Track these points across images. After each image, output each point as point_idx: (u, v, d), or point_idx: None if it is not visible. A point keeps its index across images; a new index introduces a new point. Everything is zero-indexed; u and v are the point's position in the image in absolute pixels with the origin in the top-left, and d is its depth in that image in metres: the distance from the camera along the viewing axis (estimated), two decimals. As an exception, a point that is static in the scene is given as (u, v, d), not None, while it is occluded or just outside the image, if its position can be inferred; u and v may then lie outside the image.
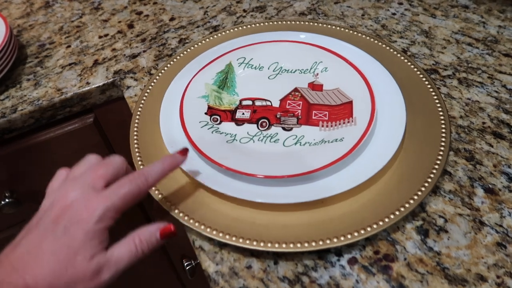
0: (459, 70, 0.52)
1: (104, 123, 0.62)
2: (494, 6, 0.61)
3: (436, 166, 0.41)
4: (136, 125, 0.48)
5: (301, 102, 0.48)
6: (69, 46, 0.62)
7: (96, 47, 0.62)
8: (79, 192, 0.33)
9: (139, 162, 0.44)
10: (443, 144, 0.42)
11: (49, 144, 0.60)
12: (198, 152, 0.42)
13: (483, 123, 0.46)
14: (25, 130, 0.56)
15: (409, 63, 0.52)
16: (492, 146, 0.44)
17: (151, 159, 0.45)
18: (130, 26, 0.65)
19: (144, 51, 0.60)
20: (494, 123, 0.46)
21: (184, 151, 0.39)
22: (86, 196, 0.32)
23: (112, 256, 0.32)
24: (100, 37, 0.64)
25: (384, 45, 0.55)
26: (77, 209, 0.32)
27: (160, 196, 0.41)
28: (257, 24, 0.60)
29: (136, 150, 0.45)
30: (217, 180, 0.41)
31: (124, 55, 0.60)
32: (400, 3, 0.64)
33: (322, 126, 0.45)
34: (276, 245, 0.37)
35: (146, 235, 0.34)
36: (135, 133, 0.47)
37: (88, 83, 0.56)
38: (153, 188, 0.42)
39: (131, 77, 0.56)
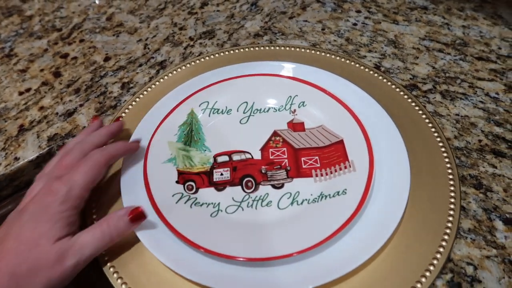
0: (438, 82, 0.49)
1: (44, 197, 0.51)
2: (452, 4, 0.59)
3: (452, 206, 0.36)
4: (93, 210, 0.39)
5: (285, 149, 0.42)
6: (-18, 111, 0.50)
7: (18, 108, 0.50)
8: (42, 184, 0.34)
9: (108, 264, 0.35)
10: (451, 176, 0.38)
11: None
12: (181, 239, 0.34)
13: (480, 141, 0.43)
14: None
15: (388, 83, 0.47)
16: (496, 167, 0.41)
17: (120, 253, 0.36)
18: (57, 74, 0.54)
19: (81, 105, 0.50)
20: (490, 139, 0.43)
21: (138, 142, 0.41)
22: (48, 184, 0.33)
23: (76, 242, 0.31)
24: (20, 93, 0.52)
25: (356, 64, 0.50)
26: (41, 197, 0.32)
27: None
28: (211, 56, 0.52)
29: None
30: (194, 264, 0.34)
31: (57, 113, 0.49)
32: (358, 11, 0.59)
33: (317, 175, 0.39)
34: None
35: (114, 219, 0.33)
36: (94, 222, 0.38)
37: (16, 159, 0.45)
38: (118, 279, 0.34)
39: (72, 142, 0.46)
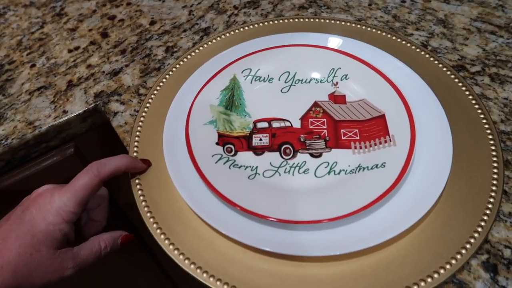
0: (488, 64, 0.47)
1: (88, 152, 0.53)
2: (509, -14, 0.56)
3: (494, 188, 0.36)
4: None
5: (325, 120, 0.42)
6: (33, 65, 0.53)
7: (67, 64, 0.52)
8: (49, 186, 0.35)
9: (148, 214, 0.37)
10: (495, 159, 0.38)
11: (23, 184, 0.51)
12: (219, 196, 0.35)
13: (528, 126, 0.41)
14: (-6, 174, 0.47)
15: (435, 61, 0.46)
16: (543, 154, 0.39)
17: (162, 209, 0.37)
18: (104, 34, 0.56)
19: (126, 66, 0.51)
20: (539, 125, 0.41)
21: (147, 162, 0.40)
22: (53, 189, 0.34)
23: (77, 256, 0.34)
24: (70, 51, 0.54)
25: (402, 41, 0.49)
26: (43, 200, 0.33)
27: (166, 240, 0.35)
28: (255, 25, 0.52)
29: (141, 198, 0.38)
30: (229, 222, 0.35)
31: (103, 72, 0.51)
32: (408, -12, 0.57)
33: (355, 147, 0.39)
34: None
35: (111, 241, 0.37)
36: (136, 175, 0.39)
37: (65, 112, 0.47)
38: (157, 229, 0.36)
39: (117, 100, 0.48)
